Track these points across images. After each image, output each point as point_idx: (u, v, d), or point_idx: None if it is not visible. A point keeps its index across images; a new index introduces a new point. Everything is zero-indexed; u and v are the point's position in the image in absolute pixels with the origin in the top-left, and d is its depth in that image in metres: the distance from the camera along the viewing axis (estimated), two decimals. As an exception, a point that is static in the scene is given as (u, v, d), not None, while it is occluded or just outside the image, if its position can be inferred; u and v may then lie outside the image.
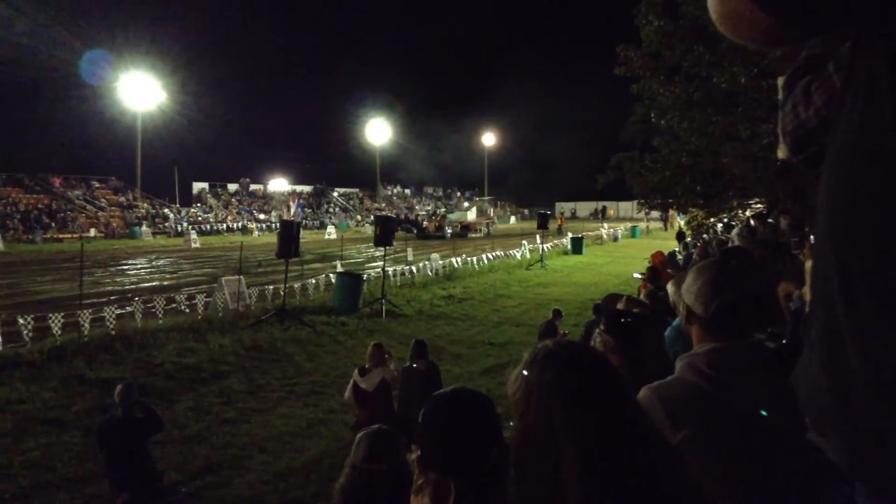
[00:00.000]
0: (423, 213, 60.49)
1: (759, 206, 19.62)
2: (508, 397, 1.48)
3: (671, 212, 38.73)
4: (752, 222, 19.40)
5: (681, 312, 2.13)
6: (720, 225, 23.41)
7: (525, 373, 1.44)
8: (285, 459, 7.25)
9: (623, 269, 26.07)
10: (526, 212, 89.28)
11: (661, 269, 12.07)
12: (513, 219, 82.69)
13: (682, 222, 31.94)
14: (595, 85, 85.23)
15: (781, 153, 1.24)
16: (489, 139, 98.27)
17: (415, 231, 46.87)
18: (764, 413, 1.83)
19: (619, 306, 3.96)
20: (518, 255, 29.18)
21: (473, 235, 49.56)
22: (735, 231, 16.81)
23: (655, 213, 47.95)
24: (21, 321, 10.79)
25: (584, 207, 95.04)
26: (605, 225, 53.85)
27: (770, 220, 17.87)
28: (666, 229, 55.09)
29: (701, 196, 17.30)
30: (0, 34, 49.43)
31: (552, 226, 41.20)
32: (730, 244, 12.54)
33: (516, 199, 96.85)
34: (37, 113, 61.75)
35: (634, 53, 15.22)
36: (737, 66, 12.31)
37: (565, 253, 34.67)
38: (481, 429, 1.49)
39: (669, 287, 2.35)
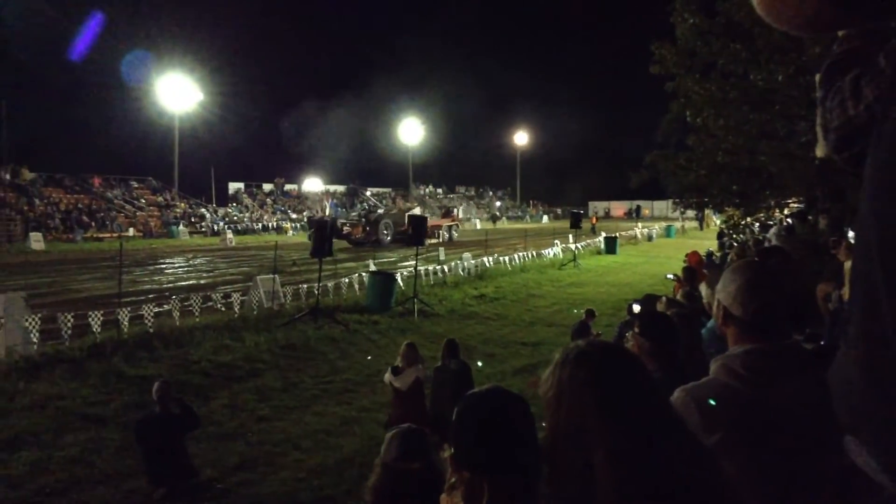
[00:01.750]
0: (354, 214, 46.15)
1: (796, 205, 19.30)
2: (540, 397, 1.48)
3: (707, 211, 38.26)
4: (789, 221, 19.08)
5: (716, 313, 2.11)
6: (757, 224, 23.07)
7: (557, 372, 1.44)
8: (319, 457, 7.31)
9: (658, 268, 25.81)
10: (558, 211, 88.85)
11: (697, 269, 11.92)
12: (545, 218, 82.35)
13: (719, 221, 31.55)
14: (629, 83, 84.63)
15: (820, 151, 1.21)
16: (521, 138, 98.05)
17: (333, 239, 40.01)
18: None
19: (659, 308, 3.93)
20: (550, 255, 29.05)
21: (430, 241, 38.17)
22: (772, 230, 16.57)
23: (691, 213, 47.39)
24: (62, 319, 11.02)
25: (618, 206, 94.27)
26: (640, 224, 53.34)
27: (809, 218, 17.57)
28: (701, 229, 54.35)
29: (737, 195, 17.08)
30: (41, 35, 50.53)
31: (585, 225, 40.78)
32: (767, 244, 12.36)
33: (549, 197, 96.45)
34: (77, 114, 63.05)
35: (669, 51, 15.08)
36: (774, 63, 12.13)
37: (599, 252, 34.42)
38: (515, 429, 1.49)
39: (703, 288, 2.33)
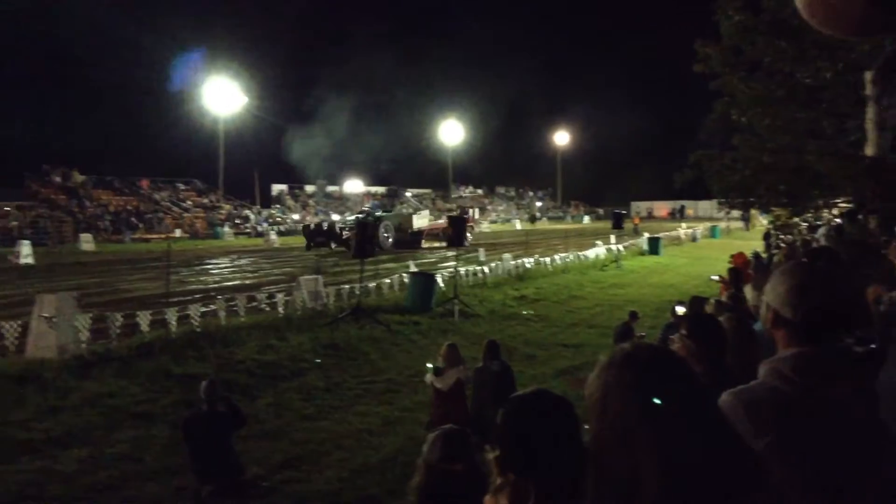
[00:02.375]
0: (353, 217, 38.85)
1: (845, 204, 18.86)
2: (585, 399, 1.48)
3: (752, 211, 37.58)
4: (838, 221, 18.64)
5: (763, 316, 2.08)
6: (805, 225, 22.59)
7: (602, 375, 1.44)
8: (362, 456, 7.37)
9: (702, 270, 25.40)
10: (600, 211, 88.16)
11: (742, 270, 11.72)
12: (586, 218, 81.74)
13: (766, 222, 30.94)
14: (672, 82, 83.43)
15: (871, 149, 1.19)
16: (562, 137, 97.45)
17: (332, 245, 34.51)
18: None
19: (707, 310, 3.88)
20: (592, 256, 28.82)
21: (433, 245, 37.58)
22: (821, 231, 16.19)
23: (736, 213, 46.55)
24: (111, 319, 11.27)
25: (662, 207, 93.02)
26: (684, 224, 52.60)
27: (859, 218, 17.15)
28: (747, 229, 53.33)
29: (784, 195, 16.75)
30: (89, 40, 51.84)
31: (628, 225, 40.23)
32: (815, 245, 12.09)
33: (590, 198, 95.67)
34: (126, 118, 64.62)
35: (713, 49, 14.86)
36: (821, 61, 11.87)
37: (641, 253, 34.03)
38: (562, 431, 1.49)
39: (748, 290, 2.30)
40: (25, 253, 28.98)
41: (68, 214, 41.84)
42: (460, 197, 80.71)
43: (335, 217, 45.16)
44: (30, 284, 19.69)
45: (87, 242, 35.62)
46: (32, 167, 47.45)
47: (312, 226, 37.77)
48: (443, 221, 40.59)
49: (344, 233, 34.41)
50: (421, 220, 39.64)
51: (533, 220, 70.55)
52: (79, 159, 49.67)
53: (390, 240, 35.75)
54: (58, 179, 46.86)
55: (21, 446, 7.38)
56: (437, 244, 37.31)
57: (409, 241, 36.25)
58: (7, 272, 25.13)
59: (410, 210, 45.12)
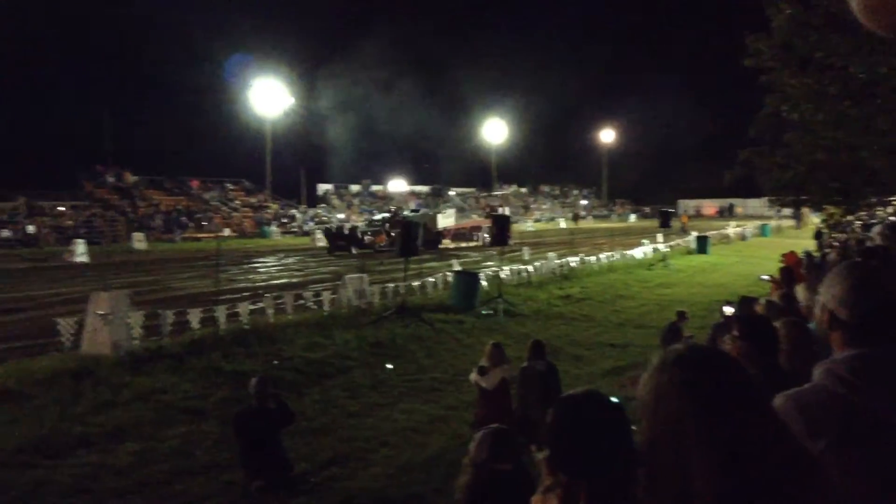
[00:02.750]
0: (379, 217, 38.19)
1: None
2: (636, 399, 1.48)
3: (804, 209, 36.71)
4: (894, 219, 18.10)
5: (818, 317, 2.04)
6: (859, 223, 22.00)
7: (655, 376, 1.43)
8: (407, 454, 7.42)
9: (752, 269, 24.89)
10: (646, 210, 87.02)
11: (794, 270, 11.45)
12: (632, 217, 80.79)
13: (818, 220, 30.21)
14: (721, 77, 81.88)
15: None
16: (608, 135, 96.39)
17: (353, 249, 32.10)
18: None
19: (758, 310, 3.82)
20: (639, 255, 28.48)
21: (460, 245, 36.24)
22: (876, 229, 15.75)
23: (787, 211, 45.55)
24: (163, 316, 11.53)
25: (710, 205, 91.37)
26: (733, 223, 51.63)
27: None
28: (799, 227, 52.13)
29: (837, 192, 16.34)
30: (142, 45, 53.13)
31: (675, 224, 39.54)
32: (870, 243, 11.77)
33: (636, 196, 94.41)
34: (178, 120, 66.07)
35: (764, 43, 14.54)
36: (876, 55, 11.52)
37: (689, 252, 33.51)
38: (613, 432, 1.49)
39: (800, 290, 2.26)
40: (80, 251, 29.86)
41: (121, 214, 42.94)
42: (489, 195, 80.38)
43: (359, 217, 44.09)
44: (84, 282, 20.26)
45: (139, 241, 36.51)
46: (87, 168, 48.87)
47: (333, 229, 35.77)
48: (471, 221, 40.56)
49: (366, 237, 33.69)
50: (446, 220, 38.08)
51: (576, 218, 69.89)
52: (131, 160, 51.02)
53: (418, 242, 33.81)
54: (111, 180, 48.11)
55: (77, 440, 7.60)
56: (464, 244, 36.26)
57: (431, 241, 33.42)
58: (62, 270, 25.92)
59: (435, 210, 43.58)
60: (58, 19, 68.49)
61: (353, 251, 31.94)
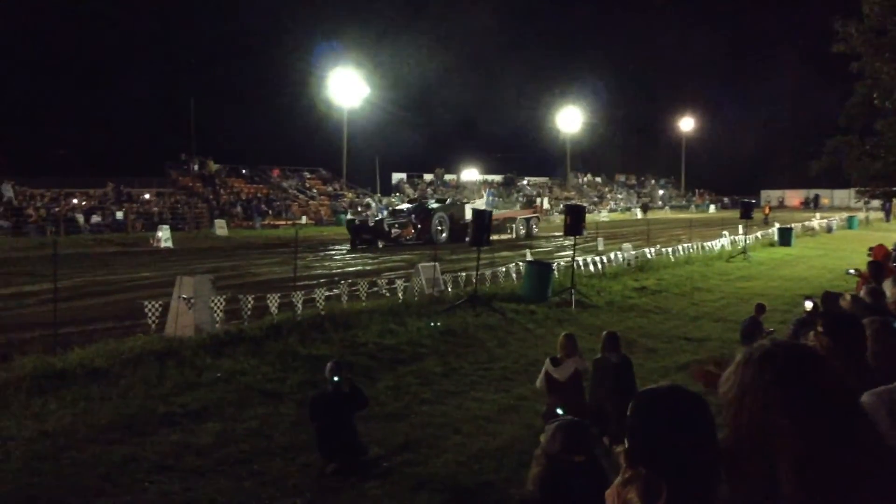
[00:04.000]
0: (404, 207, 36.09)
1: None
2: (719, 396, 1.45)
3: (894, 201, 34.99)
4: None
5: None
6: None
7: (739, 372, 1.40)
8: (479, 442, 7.45)
9: (837, 263, 23.91)
10: (726, 200, 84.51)
11: (883, 263, 10.94)
12: (711, 207, 78.63)
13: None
14: (808, 64, 78.55)
15: None
16: (687, 123, 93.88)
17: (380, 243, 30.97)
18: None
19: (843, 305, 3.67)
20: (718, 247, 27.72)
21: (495, 237, 32.90)
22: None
23: (876, 203, 43.49)
24: (243, 300, 11.89)
25: (794, 196, 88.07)
26: (818, 215, 49.66)
27: None
28: (888, 220, 49.69)
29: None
30: (224, 36, 54.64)
31: (757, 215, 38.14)
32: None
33: (716, 186, 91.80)
34: (257, 109, 67.86)
35: (855, 29, 13.90)
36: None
37: (772, 244, 32.42)
38: (696, 427, 1.47)
39: (888, 285, 2.17)
40: (165, 237, 31.09)
41: (204, 201, 44.38)
42: (578, 184, 79.47)
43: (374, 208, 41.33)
44: (169, 267, 21.08)
45: (220, 228, 37.67)
46: (172, 157, 50.74)
47: (357, 221, 33.29)
48: (506, 212, 37.87)
49: (393, 229, 32.00)
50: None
51: (645, 209, 67.86)
52: (213, 149, 52.68)
53: (444, 234, 32.37)
54: (195, 168, 49.75)
55: (161, 419, 7.93)
56: (496, 236, 32.21)
57: (459, 232, 31.19)
58: (148, 255, 27.03)
59: (465, 200, 40.98)
60: (145, 11, 71.23)
61: (380, 245, 30.92)
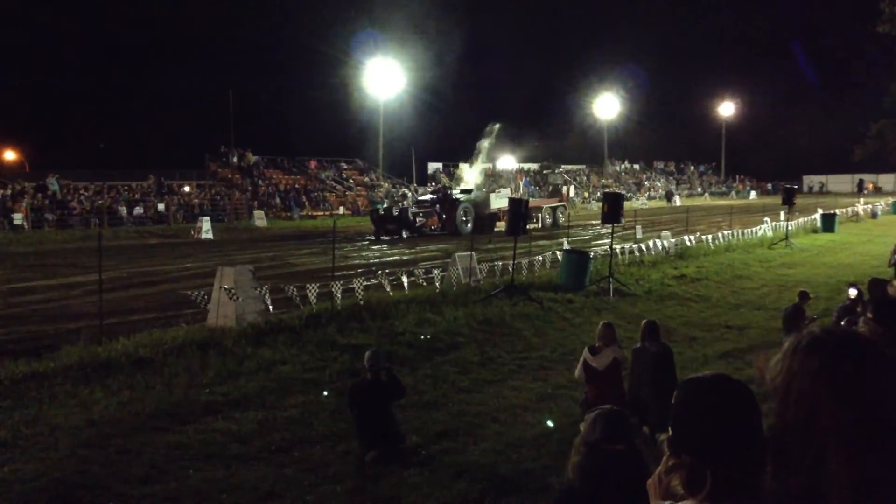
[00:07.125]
0: (428, 197, 35.28)
1: None
2: (767, 384, 1.42)
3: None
4: None
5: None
6: None
7: (787, 360, 1.37)
8: (517, 431, 7.45)
9: (882, 249, 23.31)
10: (768, 186, 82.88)
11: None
12: (752, 194, 77.25)
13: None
14: (851, 44, 76.35)
15: None
16: (727, 108, 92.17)
17: (404, 233, 31.07)
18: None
19: (891, 292, 3.59)
20: (759, 233, 27.24)
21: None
22: None
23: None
24: (286, 290, 12.02)
25: (837, 181, 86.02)
26: (862, 200, 48.51)
27: None
28: (935, 205, 48.38)
29: None
30: (261, 29, 55.07)
31: (799, 201, 37.25)
32: None
33: (757, 172, 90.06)
34: (295, 101, 68.35)
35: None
36: None
37: (814, 231, 31.79)
38: (741, 416, 1.44)
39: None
40: (206, 228, 31.61)
41: (243, 192, 44.92)
42: (616, 172, 78.61)
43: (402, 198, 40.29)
44: (210, 258, 21.42)
45: (259, 219, 38.15)
46: (212, 149, 51.43)
47: (381, 211, 32.79)
48: (537, 200, 37.49)
49: (417, 219, 31.87)
50: (500, 201, 33.50)
51: (669, 197, 66.09)
52: (252, 141, 53.21)
53: (469, 224, 31.39)
54: (234, 160, 50.35)
55: (204, 407, 8.06)
56: (531, 226, 31.75)
57: (483, 223, 31.51)
58: (190, 246, 27.50)
59: (489, 189, 39.41)
60: (185, 5, 72.14)
61: (404, 235, 30.87)
